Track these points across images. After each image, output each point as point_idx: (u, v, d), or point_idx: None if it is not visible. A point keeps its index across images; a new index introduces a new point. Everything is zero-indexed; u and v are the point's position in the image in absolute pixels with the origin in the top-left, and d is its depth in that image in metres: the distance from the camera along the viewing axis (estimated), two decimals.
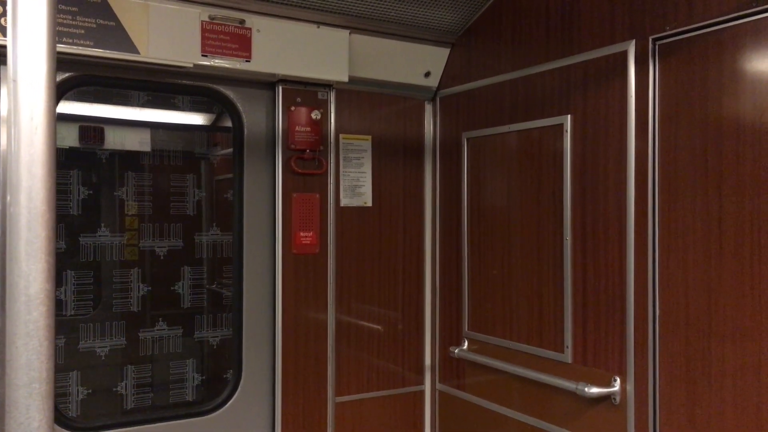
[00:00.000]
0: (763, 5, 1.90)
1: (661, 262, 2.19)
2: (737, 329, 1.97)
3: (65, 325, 2.73)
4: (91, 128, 2.87)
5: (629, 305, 2.27)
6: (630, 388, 2.27)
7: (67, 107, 2.71)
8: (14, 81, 0.78)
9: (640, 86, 2.25)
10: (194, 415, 2.76)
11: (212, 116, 3.19)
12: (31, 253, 0.77)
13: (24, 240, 0.77)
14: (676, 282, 2.14)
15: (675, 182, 2.14)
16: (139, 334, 2.90)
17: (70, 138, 2.81)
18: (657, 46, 2.20)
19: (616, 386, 2.31)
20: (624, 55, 2.30)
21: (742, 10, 1.95)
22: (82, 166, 2.82)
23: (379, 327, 3.16)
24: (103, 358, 2.81)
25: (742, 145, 1.96)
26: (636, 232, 2.25)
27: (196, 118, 3.22)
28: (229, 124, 2.89)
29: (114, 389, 2.85)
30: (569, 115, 2.51)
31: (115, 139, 2.92)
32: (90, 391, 2.77)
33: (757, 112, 1.93)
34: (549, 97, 2.61)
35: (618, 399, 2.31)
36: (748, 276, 1.94)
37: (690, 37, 2.10)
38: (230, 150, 2.93)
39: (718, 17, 2.01)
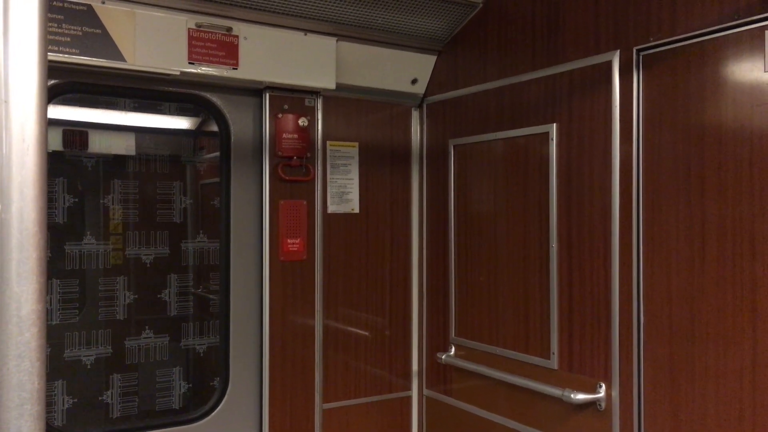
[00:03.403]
0: (743, 18, 1.94)
1: (645, 268, 2.21)
2: (719, 335, 2.00)
3: (50, 334, 2.72)
4: (75, 132, 2.85)
5: (614, 312, 2.30)
6: (615, 394, 2.29)
7: (50, 111, 2.69)
8: (6, 102, 0.78)
9: (624, 96, 2.28)
10: (181, 423, 2.75)
11: (197, 120, 3.18)
12: (23, 274, 0.77)
13: (15, 261, 0.77)
14: (660, 288, 2.16)
15: (659, 190, 2.17)
16: (125, 343, 2.88)
17: (53, 142, 2.79)
18: (641, 57, 2.23)
19: (602, 392, 2.34)
20: (609, 65, 2.32)
21: (724, 23, 1.98)
22: (65, 171, 2.80)
23: (367, 333, 3.17)
24: (88, 366, 2.79)
25: (724, 154, 1.99)
26: (621, 239, 2.28)
27: (181, 122, 3.21)
28: (214, 127, 2.89)
29: (100, 398, 2.84)
30: (555, 124, 2.53)
31: (99, 144, 2.91)
32: (76, 400, 2.76)
33: (737, 121, 1.96)
34: (535, 105, 2.64)
35: (603, 405, 2.33)
36: (730, 282, 1.97)
37: (673, 48, 2.13)
38: (216, 154, 2.93)
39: (700, 29, 2.05)
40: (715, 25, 2.01)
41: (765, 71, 1.90)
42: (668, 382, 2.14)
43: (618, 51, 2.29)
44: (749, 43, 1.93)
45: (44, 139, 0.80)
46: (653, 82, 2.20)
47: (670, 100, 2.14)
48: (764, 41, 1.90)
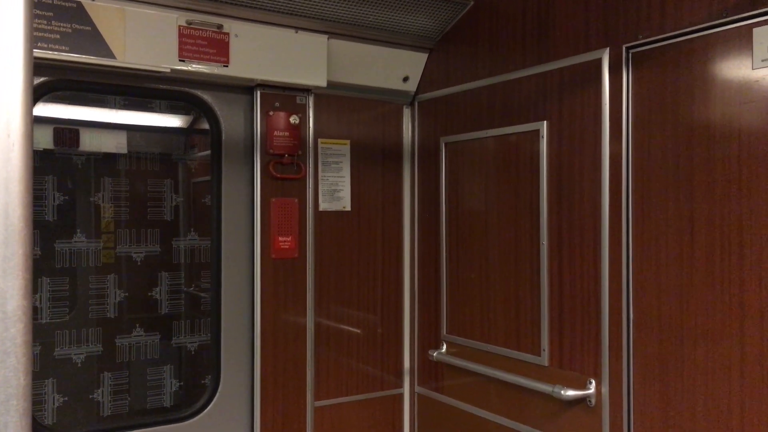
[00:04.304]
0: (732, 16, 1.95)
1: (634, 265, 2.23)
2: (708, 331, 2.01)
3: (41, 332, 2.70)
4: (66, 130, 2.84)
5: (604, 308, 2.31)
6: (605, 390, 2.30)
7: (41, 109, 2.68)
8: None
9: (614, 93, 2.29)
10: (172, 422, 2.75)
11: (188, 118, 3.17)
12: (8, 270, 0.77)
13: (1, 257, 0.77)
14: (650, 285, 2.18)
15: (648, 187, 2.18)
16: (116, 341, 2.87)
17: (44, 140, 2.78)
18: (630, 54, 2.24)
19: (592, 389, 2.35)
20: (598, 63, 2.33)
21: (713, 21, 1.99)
22: (56, 169, 2.79)
23: (359, 331, 3.17)
24: (79, 365, 2.78)
25: (712, 151, 2.00)
26: (610, 236, 2.29)
27: (172, 120, 3.20)
28: (205, 125, 2.88)
29: (91, 396, 2.83)
30: (545, 121, 2.54)
31: (89, 142, 2.89)
32: (66, 398, 2.75)
33: (726, 118, 1.97)
34: (525, 103, 2.64)
35: (593, 401, 2.34)
36: (719, 278, 1.98)
37: (662, 45, 2.14)
38: (208, 152, 2.92)
39: (689, 27, 2.06)
40: (703, 23, 2.02)
41: (753, 69, 1.91)
42: (657, 378, 2.15)
43: (608, 49, 2.30)
44: (737, 41, 1.95)
45: (30, 136, 0.80)
46: (642, 80, 2.21)
47: (659, 98, 2.15)
48: (752, 39, 1.91)
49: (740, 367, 1.93)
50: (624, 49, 2.25)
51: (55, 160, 2.81)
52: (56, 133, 2.81)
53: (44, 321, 2.71)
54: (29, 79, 0.81)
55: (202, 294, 3.06)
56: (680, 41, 2.09)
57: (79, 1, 2.33)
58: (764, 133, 1.88)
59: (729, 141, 1.96)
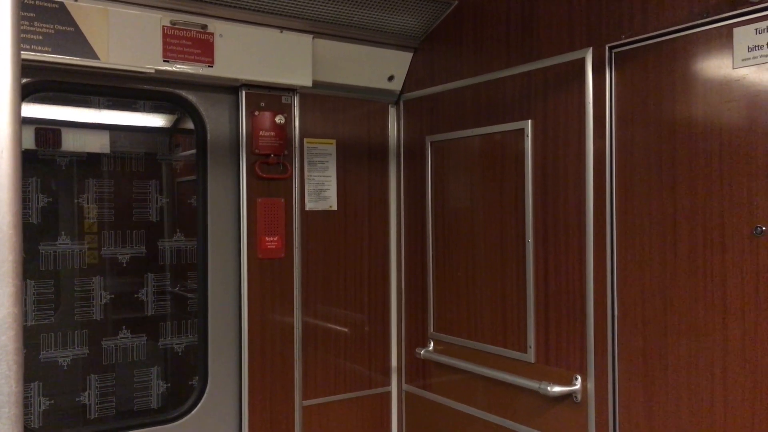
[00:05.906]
0: (712, 16, 1.98)
1: (619, 261, 2.25)
2: (691, 326, 2.04)
3: (25, 336, 2.68)
4: (48, 131, 2.81)
5: (589, 305, 2.33)
6: (591, 386, 2.33)
7: (22, 110, 2.65)
8: None
9: (597, 92, 2.31)
10: (160, 423, 2.74)
11: (173, 118, 3.16)
12: None
13: None
14: (633, 281, 2.21)
15: (632, 185, 2.21)
16: (102, 343, 2.86)
17: (26, 141, 2.75)
18: (613, 54, 2.27)
19: (578, 385, 2.37)
20: (582, 62, 2.36)
21: (694, 21, 2.02)
22: (39, 170, 2.76)
23: (346, 329, 3.18)
24: (65, 367, 2.76)
25: (694, 149, 2.03)
26: (595, 233, 2.32)
27: (156, 120, 3.18)
28: (190, 125, 2.87)
29: (77, 399, 2.81)
30: (530, 120, 2.56)
31: (72, 142, 2.87)
32: (52, 401, 2.73)
33: (707, 116, 2.00)
34: (510, 102, 2.66)
35: (579, 397, 2.37)
36: (701, 275, 2.01)
37: (644, 45, 2.17)
38: (192, 151, 2.91)
39: (671, 27, 2.08)
40: (685, 23, 2.05)
41: (734, 68, 1.94)
42: (642, 374, 2.18)
43: (591, 48, 2.33)
44: (718, 41, 1.97)
45: (18, 142, 0.80)
46: (625, 79, 2.23)
47: (641, 97, 2.18)
48: (732, 39, 1.94)
49: (723, 361, 1.96)
50: (607, 48, 2.27)
51: (37, 161, 2.78)
52: (38, 134, 2.79)
53: (29, 324, 2.69)
54: (17, 84, 0.80)
55: (189, 295, 3.05)
56: (662, 41, 2.12)
57: (62, 2, 2.31)
58: (745, 131, 1.91)
59: (710, 139, 1.99)
